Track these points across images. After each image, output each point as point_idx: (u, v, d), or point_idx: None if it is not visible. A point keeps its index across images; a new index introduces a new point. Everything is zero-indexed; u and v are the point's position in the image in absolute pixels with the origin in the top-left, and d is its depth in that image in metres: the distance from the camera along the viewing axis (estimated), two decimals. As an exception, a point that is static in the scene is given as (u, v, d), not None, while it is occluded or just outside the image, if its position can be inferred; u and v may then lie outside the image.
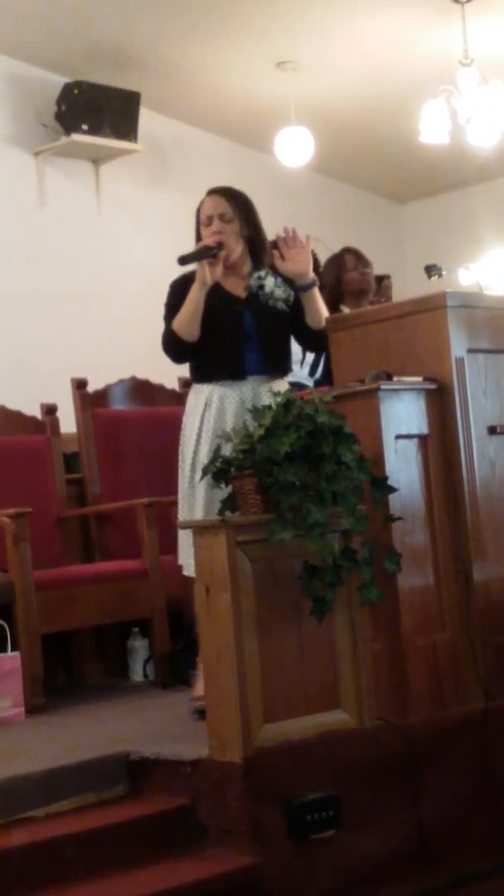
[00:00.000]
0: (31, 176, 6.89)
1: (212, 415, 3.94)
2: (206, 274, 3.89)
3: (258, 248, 4.05)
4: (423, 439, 3.74)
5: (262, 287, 3.99)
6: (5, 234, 6.63)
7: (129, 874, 3.17)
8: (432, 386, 3.74)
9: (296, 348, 4.40)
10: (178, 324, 3.95)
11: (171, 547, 4.81)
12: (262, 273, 4.02)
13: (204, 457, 3.84)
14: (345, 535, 3.44)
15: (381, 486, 3.51)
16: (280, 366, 4.04)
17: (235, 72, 7.00)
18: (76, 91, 6.75)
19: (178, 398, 5.59)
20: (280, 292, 4.01)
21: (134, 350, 5.90)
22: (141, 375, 5.59)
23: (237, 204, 4.03)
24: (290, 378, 4.34)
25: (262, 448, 3.30)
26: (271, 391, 3.86)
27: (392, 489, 3.55)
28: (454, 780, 3.57)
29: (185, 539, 3.92)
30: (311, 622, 3.39)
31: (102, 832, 3.25)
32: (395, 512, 3.59)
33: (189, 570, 3.88)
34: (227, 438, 3.39)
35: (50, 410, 5.25)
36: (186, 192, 7.49)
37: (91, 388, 5.33)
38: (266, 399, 3.87)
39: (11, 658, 4.29)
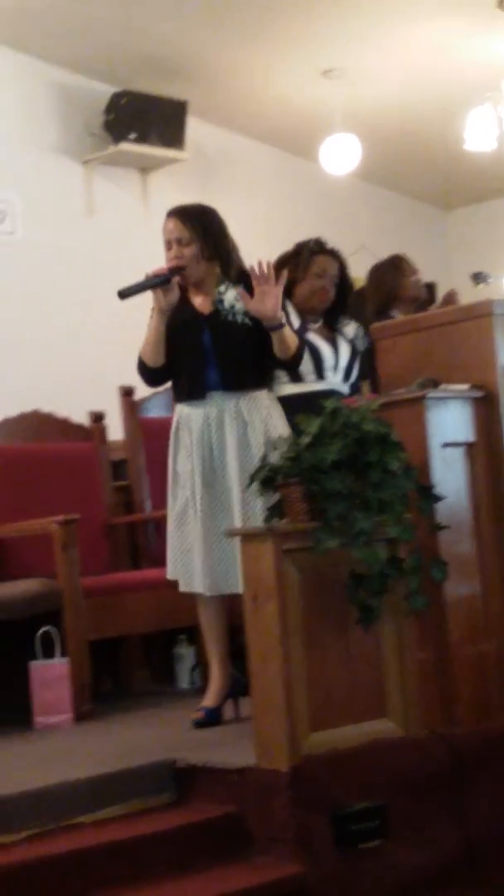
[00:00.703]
0: (80, 185, 6.94)
1: (183, 434, 3.96)
2: (161, 301, 3.88)
3: (224, 262, 3.96)
4: (469, 447, 3.73)
5: (221, 302, 3.92)
6: (55, 242, 6.68)
7: (174, 882, 3.17)
8: (479, 394, 3.72)
9: (328, 353, 4.38)
10: (142, 350, 3.98)
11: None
12: (223, 287, 3.94)
13: (182, 473, 3.92)
14: (391, 544, 3.44)
15: (428, 494, 3.51)
16: (244, 382, 3.92)
17: (282, 80, 7.01)
18: (124, 100, 6.80)
19: (86, 434, 5.54)
20: (240, 306, 3.89)
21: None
22: (45, 408, 5.56)
23: (193, 225, 3.94)
24: (324, 385, 4.32)
25: (308, 456, 3.30)
26: (238, 408, 3.87)
27: (438, 497, 3.54)
28: (501, 791, 3.55)
29: (176, 553, 3.96)
30: (357, 631, 3.39)
31: (149, 839, 3.26)
32: (442, 520, 3.58)
33: (186, 586, 3.95)
34: (274, 446, 3.40)
35: (97, 418, 5.28)
36: (233, 200, 7.53)
37: (138, 397, 5.36)
38: (230, 417, 3.87)
39: (59, 665, 4.32)
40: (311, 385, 4.33)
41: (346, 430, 3.31)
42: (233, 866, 3.26)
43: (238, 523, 3.80)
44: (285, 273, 3.98)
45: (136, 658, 5.11)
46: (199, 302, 3.98)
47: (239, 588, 3.68)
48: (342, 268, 4.49)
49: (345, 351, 4.44)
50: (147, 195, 7.17)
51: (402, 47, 6.68)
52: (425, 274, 5.58)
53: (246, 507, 3.82)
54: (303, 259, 4.43)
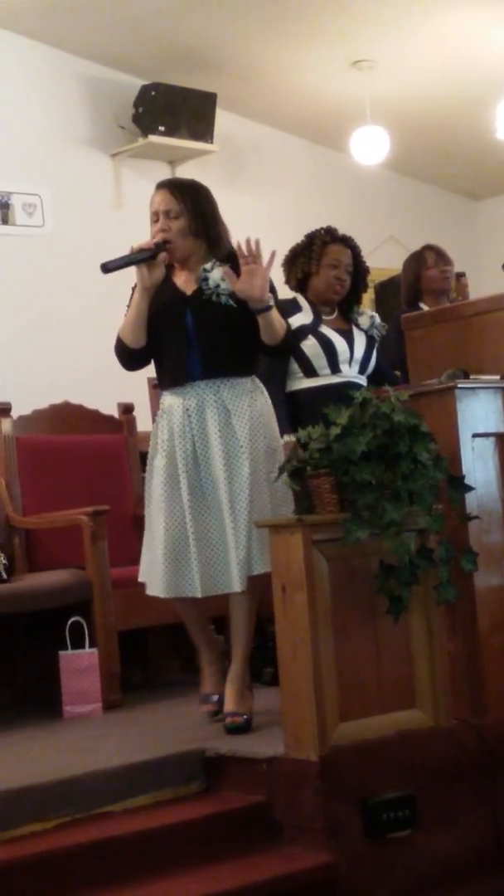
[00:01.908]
0: (109, 178, 6.96)
1: (164, 424, 3.76)
2: (144, 277, 3.67)
3: (212, 240, 3.77)
4: (500, 438, 3.72)
5: (206, 280, 3.71)
6: (83, 235, 6.69)
7: (204, 870, 3.18)
8: (510, 384, 3.71)
9: (342, 347, 4.32)
10: (122, 329, 3.76)
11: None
12: (209, 265, 3.73)
13: (157, 469, 3.73)
14: (421, 535, 3.43)
15: (458, 484, 3.50)
16: (228, 367, 3.72)
17: (311, 71, 7.00)
18: (153, 93, 6.81)
19: (116, 426, 5.54)
20: (226, 286, 3.69)
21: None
22: (74, 400, 5.57)
23: (184, 198, 3.75)
24: (339, 379, 4.27)
25: (338, 447, 3.30)
26: (220, 396, 3.68)
27: (469, 488, 3.53)
28: (531, 781, 3.55)
29: (148, 556, 3.81)
30: (387, 621, 3.38)
31: (178, 828, 3.27)
32: (472, 511, 3.57)
33: (153, 589, 3.76)
34: (303, 438, 3.39)
35: (127, 409, 5.30)
36: (262, 192, 7.56)
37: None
38: (211, 406, 3.67)
39: (89, 655, 4.34)
40: (325, 379, 4.27)
41: (376, 420, 3.31)
42: (262, 855, 3.27)
43: (227, 518, 3.64)
44: (274, 252, 3.70)
45: (164, 648, 5.12)
46: (183, 280, 3.78)
47: (232, 587, 3.67)
48: (355, 255, 4.41)
49: (360, 342, 4.37)
50: (176, 187, 7.17)
51: (431, 38, 6.65)
52: (456, 264, 5.54)
53: (234, 501, 3.65)
54: (315, 250, 4.35)
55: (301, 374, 4.29)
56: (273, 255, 3.70)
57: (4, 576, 4.60)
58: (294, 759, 3.30)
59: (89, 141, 6.92)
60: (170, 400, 3.76)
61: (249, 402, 3.73)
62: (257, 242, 3.65)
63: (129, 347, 3.76)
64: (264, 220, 7.54)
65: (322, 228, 4.41)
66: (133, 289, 3.80)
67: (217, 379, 3.72)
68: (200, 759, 3.49)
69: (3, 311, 6.46)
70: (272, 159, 7.63)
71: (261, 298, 3.64)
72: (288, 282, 4.44)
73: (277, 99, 7.29)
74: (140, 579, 3.87)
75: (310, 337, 4.28)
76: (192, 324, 3.71)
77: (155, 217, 3.77)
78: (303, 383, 4.29)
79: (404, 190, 8.20)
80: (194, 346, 3.71)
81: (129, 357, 3.79)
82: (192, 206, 3.76)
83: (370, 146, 7.23)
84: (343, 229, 4.54)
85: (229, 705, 3.74)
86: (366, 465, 3.29)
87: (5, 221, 6.60)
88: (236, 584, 3.67)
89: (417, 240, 5.63)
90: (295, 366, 4.28)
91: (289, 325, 3.86)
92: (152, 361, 3.87)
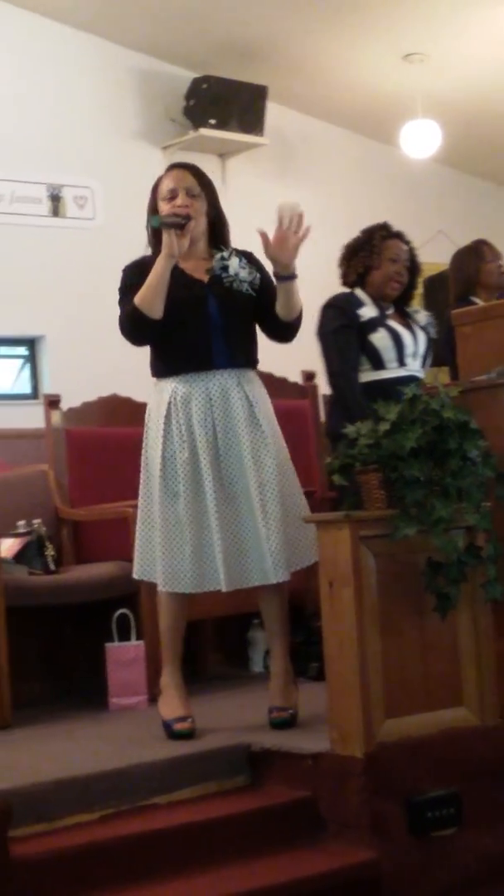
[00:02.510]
0: (159, 170, 6.87)
1: (178, 413, 3.63)
2: (174, 244, 3.57)
3: (219, 230, 3.78)
4: (550, 436, 3.68)
5: (225, 268, 3.69)
6: (134, 227, 6.68)
7: (247, 865, 3.19)
8: None
9: (409, 340, 4.34)
10: (141, 299, 3.60)
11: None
12: (226, 254, 3.72)
13: (180, 461, 3.61)
14: (469, 532, 3.42)
15: (507, 482, 3.47)
16: (249, 358, 3.73)
17: (362, 64, 6.97)
18: (204, 86, 6.81)
19: (302, 392, 5.60)
20: (245, 274, 3.71)
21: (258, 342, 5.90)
22: (264, 369, 5.60)
23: (203, 182, 3.75)
24: (405, 372, 4.28)
25: (387, 443, 3.29)
26: (240, 384, 3.66)
27: (518, 485, 3.51)
28: None
29: (144, 545, 3.72)
30: (433, 618, 3.37)
31: (222, 822, 3.28)
32: (521, 509, 3.54)
33: (177, 585, 3.64)
34: (352, 434, 3.38)
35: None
36: (312, 185, 7.54)
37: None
38: (235, 396, 3.64)
39: (135, 647, 4.36)
40: (393, 372, 4.28)
41: (425, 417, 3.30)
42: (306, 851, 3.28)
43: (257, 509, 3.60)
44: (308, 227, 3.66)
45: (209, 642, 5.13)
46: (192, 267, 3.72)
47: (268, 578, 3.62)
48: (411, 251, 4.43)
49: (421, 337, 4.40)
50: (226, 180, 7.16)
51: (483, 30, 6.60)
52: (505, 259, 5.51)
53: (263, 491, 3.62)
54: (375, 245, 4.37)
55: (368, 367, 4.30)
56: (308, 229, 3.67)
57: (52, 567, 4.62)
58: (339, 756, 3.30)
59: (140, 134, 6.94)
60: (184, 387, 3.65)
61: (264, 393, 3.77)
62: (300, 216, 3.63)
63: (150, 318, 3.60)
64: (314, 214, 7.46)
65: (378, 224, 4.43)
66: (126, 271, 3.76)
67: (239, 368, 3.70)
68: (246, 753, 3.50)
69: (53, 304, 6.49)
70: (322, 152, 7.60)
71: (291, 263, 3.64)
72: (346, 277, 4.45)
73: (328, 92, 7.27)
74: (140, 576, 3.75)
75: (380, 329, 4.30)
76: (217, 311, 3.68)
77: (173, 193, 3.73)
78: (370, 376, 4.30)
79: (454, 184, 8.14)
80: (219, 334, 3.67)
81: (148, 328, 3.62)
82: (209, 192, 3.78)
83: (421, 140, 7.19)
84: (393, 223, 4.54)
85: (276, 700, 3.73)
86: (414, 461, 3.28)
87: (56, 214, 6.63)
88: (272, 576, 3.63)
89: (466, 235, 5.59)
90: (363, 358, 4.29)
91: (301, 309, 3.79)
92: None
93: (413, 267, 4.44)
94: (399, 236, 4.43)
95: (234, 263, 3.72)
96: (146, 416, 3.78)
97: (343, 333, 4.30)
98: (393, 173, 7.73)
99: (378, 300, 4.38)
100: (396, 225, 4.51)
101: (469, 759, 3.41)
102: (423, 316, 4.47)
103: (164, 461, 3.65)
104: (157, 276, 3.60)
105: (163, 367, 3.72)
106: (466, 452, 3.32)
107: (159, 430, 3.67)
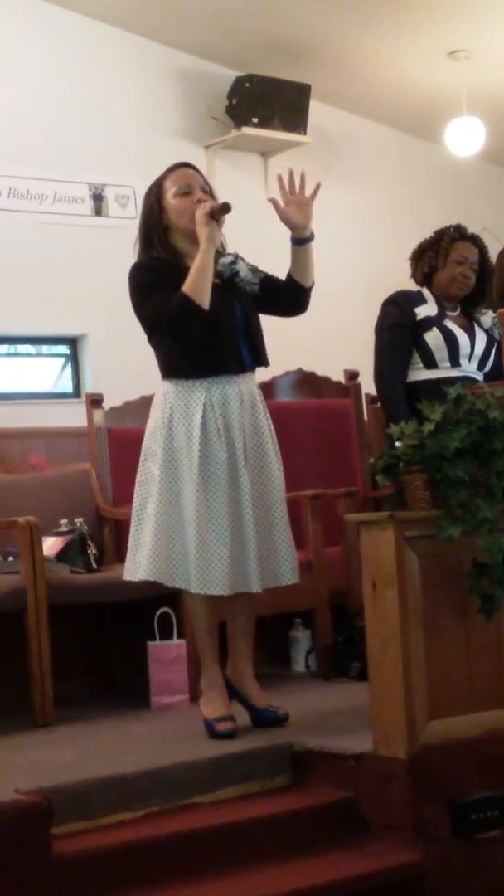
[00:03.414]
0: (202, 169, 6.94)
1: (216, 414, 3.63)
2: (215, 236, 3.62)
3: None
4: None
5: (236, 273, 3.73)
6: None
7: (289, 865, 3.18)
8: None
9: (464, 341, 4.32)
10: (192, 289, 3.55)
11: (334, 539, 4.83)
12: (232, 258, 3.76)
13: (219, 462, 3.59)
14: (514, 533, 3.39)
15: (553, 483, 3.44)
16: (264, 359, 3.78)
17: (406, 62, 6.94)
18: (247, 84, 6.81)
19: (344, 391, 5.58)
20: (252, 277, 3.75)
21: (300, 342, 5.90)
22: (307, 368, 5.60)
23: (209, 186, 3.82)
24: (457, 373, 4.27)
25: (431, 443, 3.27)
26: (258, 390, 3.74)
27: None
28: None
29: (145, 542, 3.65)
30: (478, 620, 3.35)
31: (265, 822, 3.27)
32: None
33: (212, 587, 3.59)
34: (395, 434, 3.36)
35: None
36: (355, 183, 7.52)
37: (258, 380, 5.36)
38: (258, 399, 3.71)
39: (177, 646, 4.36)
40: (445, 372, 4.27)
41: (470, 417, 3.27)
42: (348, 852, 3.26)
43: (279, 512, 3.69)
44: (319, 183, 3.71)
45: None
46: None
47: (288, 579, 3.69)
48: (482, 254, 4.41)
49: (481, 339, 4.37)
50: (268, 179, 7.16)
51: (529, 28, 6.57)
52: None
53: (281, 495, 3.72)
54: (443, 246, 4.36)
55: (421, 365, 4.30)
56: (318, 186, 3.70)
57: (95, 566, 4.63)
58: (383, 757, 3.29)
59: (183, 132, 6.94)
60: (220, 389, 3.65)
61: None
62: (302, 175, 3.67)
63: (202, 307, 3.56)
64: (358, 212, 7.52)
65: (452, 225, 4.43)
66: (141, 269, 3.73)
67: (254, 372, 3.77)
68: (288, 753, 3.49)
69: (95, 303, 6.51)
70: (366, 151, 7.58)
71: (306, 225, 3.67)
72: (414, 275, 4.45)
73: (372, 90, 7.25)
74: (157, 578, 3.65)
75: (434, 329, 4.29)
76: (241, 314, 3.71)
77: (188, 189, 3.73)
78: (422, 374, 4.30)
79: (499, 181, 8.10)
80: (243, 336, 3.71)
81: (200, 318, 3.56)
82: (213, 194, 3.81)
83: (465, 137, 7.16)
84: (436, 221, 4.52)
85: (266, 700, 3.78)
86: (459, 461, 3.26)
87: (99, 213, 6.66)
88: (290, 577, 3.71)
89: (513, 233, 5.56)
90: (416, 357, 4.29)
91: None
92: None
93: (484, 271, 4.41)
94: (472, 239, 4.41)
95: (242, 268, 3.76)
96: (160, 417, 3.70)
97: (396, 331, 4.31)
98: (437, 171, 7.70)
99: (442, 301, 4.36)
100: (440, 222, 4.49)
101: (513, 761, 3.38)
102: (489, 318, 4.44)
103: (202, 461, 3.62)
104: (205, 264, 3.59)
105: (192, 368, 3.67)
106: (512, 453, 3.30)
107: (193, 431, 3.63)
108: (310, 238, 3.71)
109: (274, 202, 3.68)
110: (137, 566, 3.67)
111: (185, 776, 3.34)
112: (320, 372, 5.62)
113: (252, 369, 3.75)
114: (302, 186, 3.71)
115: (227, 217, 3.68)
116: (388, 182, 7.59)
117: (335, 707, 4.07)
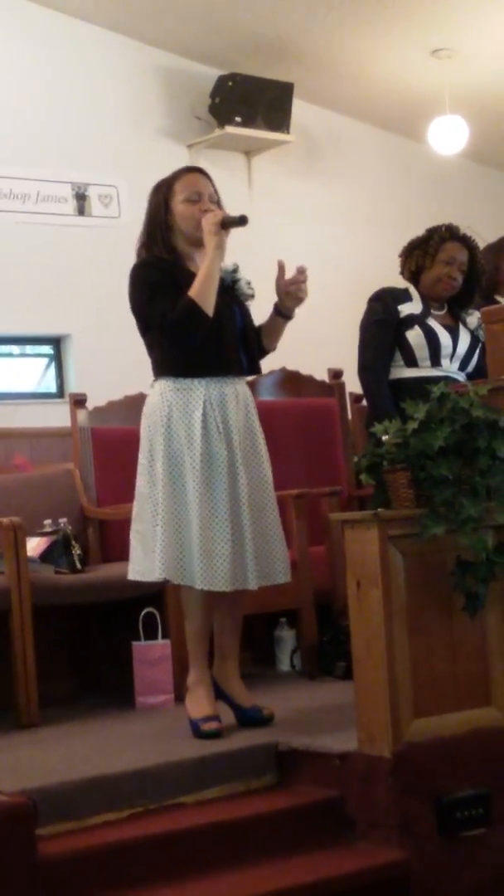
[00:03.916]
0: (184, 168, 6.95)
1: (215, 413, 3.66)
2: (223, 241, 3.67)
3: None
4: None
5: (236, 282, 3.82)
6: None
7: (274, 864, 3.18)
8: None
9: (446, 341, 4.33)
10: (198, 295, 3.61)
11: (319, 538, 4.83)
12: (234, 266, 3.83)
13: (220, 460, 3.63)
14: (499, 531, 3.39)
15: (537, 481, 3.44)
16: (257, 367, 3.87)
17: (389, 61, 6.95)
18: (230, 83, 6.81)
19: (329, 390, 5.59)
20: (248, 289, 3.86)
21: (283, 341, 5.88)
22: (291, 367, 5.59)
23: (216, 191, 3.84)
24: (438, 372, 4.26)
25: (415, 442, 3.27)
26: (250, 392, 3.82)
27: (547, 484, 3.48)
28: None
29: (198, 549, 3.61)
30: (462, 618, 3.35)
31: (250, 821, 3.27)
32: (551, 508, 3.51)
33: (215, 583, 3.60)
34: (380, 433, 3.37)
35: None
36: (338, 183, 7.53)
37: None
38: (251, 402, 3.78)
39: (162, 646, 4.35)
40: (425, 371, 4.27)
41: (454, 415, 3.27)
42: (334, 851, 3.26)
43: (272, 511, 3.74)
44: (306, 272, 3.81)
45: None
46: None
47: (283, 577, 3.73)
48: (473, 255, 4.40)
49: (465, 340, 4.37)
50: (251, 178, 7.17)
51: (511, 26, 6.57)
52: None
53: (272, 495, 3.78)
54: (432, 245, 4.35)
55: (403, 363, 4.30)
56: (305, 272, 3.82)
57: (79, 566, 4.62)
58: (367, 755, 3.29)
59: (166, 132, 6.94)
60: (218, 389, 3.69)
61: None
62: (305, 269, 3.78)
63: (207, 313, 3.62)
64: (341, 210, 7.52)
65: (443, 225, 4.41)
66: (144, 269, 3.75)
67: (248, 376, 3.84)
68: (273, 752, 3.49)
69: (79, 302, 6.50)
70: (349, 149, 7.58)
71: (294, 308, 3.81)
72: (402, 272, 4.45)
73: (355, 89, 7.25)
74: (169, 577, 3.64)
75: (416, 327, 4.29)
76: (241, 320, 3.79)
77: (196, 196, 3.76)
78: (404, 373, 4.31)
79: (483, 180, 8.11)
80: (241, 341, 3.77)
81: (205, 323, 3.62)
82: (219, 203, 3.84)
83: (449, 136, 7.17)
84: (420, 219, 4.51)
85: (251, 699, 3.78)
86: (443, 460, 3.26)
87: (82, 212, 6.65)
88: (283, 576, 3.75)
89: (495, 231, 5.56)
90: (398, 355, 4.29)
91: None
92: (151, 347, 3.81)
93: (473, 272, 4.40)
94: (463, 240, 4.40)
95: (242, 278, 3.83)
96: (158, 414, 3.70)
97: (380, 328, 4.32)
98: (420, 170, 7.71)
99: (428, 299, 4.36)
100: (424, 221, 4.49)
101: (498, 758, 3.38)
102: (475, 319, 4.43)
103: (204, 458, 3.64)
104: (212, 272, 3.65)
105: (192, 367, 3.69)
106: (495, 451, 3.30)
107: (194, 428, 3.65)
108: (291, 317, 3.83)
109: (281, 268, 3.77)
110: (152, 566, 3.66)
111: (170, 776, 3.33)
112: (304, 371, 5.62)
113: (248, 374, 3.83)
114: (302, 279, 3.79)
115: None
116: (372, 181, 7.60)
117: (320, 706, 4.07)
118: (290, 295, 3.79)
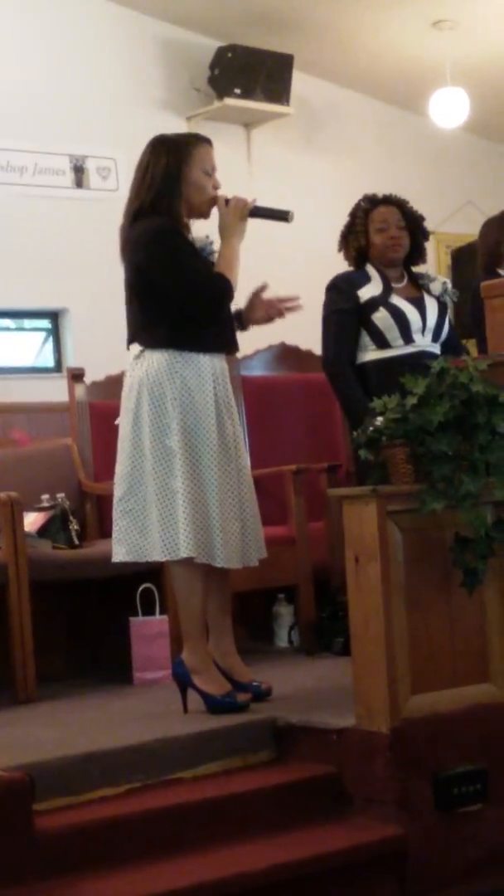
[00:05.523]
0: (183, 140, 6.91)
1: (220, 388, 3.67)
2: (244, 231, 3.73)
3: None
4: None
5: (212, 254, 3.79)
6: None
7: (273, 839, 3.18)
8: None
9: (414, 316, 4.22)
10: (232, 275, 3.66)
11: (318, 514, 4.82)
12: (210, 239, 3.81)
13: (228, 430, 3.66)
14: (498, 507, 3.38)
15: (536, 456, 3.43)
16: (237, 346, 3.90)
17: (390, 32, 6.89)
18: (230, 55, 6.75)
19: None
20: None
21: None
22: (290, 342, 5.56)
23: None
24: (412, 349, 4.19)
25: (414, 417, 3.25)
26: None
27: (547, 460, 3.46)
28: None
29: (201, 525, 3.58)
30: (461, 594, 3.34)
31: (248, 797, 3.27)
32: (550, 483, 3.50)
33: (121, 555, 3.65)
34: (379, 408, 3.35)
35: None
36: (338, 155, 7.48)
37: (240, 355, 5.33)
38: (237, 381, 3.87)
39: (159, 621, 4.35)
40: (399, 349, 4.19)
41: (453, 390, 3.25)
42: (331, 826, 3.27)
43: (250, 489, 3.74)
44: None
45: (234, 616, 5.10)
46: None
47: (264, 554, 3.77)
48: (403, 209, 4.29)
49: (433, 310, 4.28)
50: (251, 151, 7.12)
51: (513, -3, 6.52)
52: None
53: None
54: (358, 222, 4.27)
55: (373, 346, 4.23)
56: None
57: (76, 541, 4.61)
58: (365, 731, 3.29)
59: (164, 104, 6.89)
60: (221, 365, 3.70)
61: None
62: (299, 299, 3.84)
63: (233, 295, 3.69)
64: (340, 184, 7.47)
65: (360, 199, 4.33)
66: (166, 234, 3.64)
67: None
68: (271, 727, 3.49)
69: (76, 276, 6.46)
70: (349, 122, 7.54)
71: (256, 324, 3.88)
72: (348, 261, 4.38)
73: (355, 60, 7.19)
74: (195, 554, 3.57)
75: (381, 309, 4.21)
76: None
77: (212, 169, 3.76)
78: (374, 355, 4.23)
79: (484, 153, 8.06)
80: (230, 320, 3.80)
81: (228, 304, 3.72)
82: None
83: (449, 108, 7.12)
84: (420, 193, 4.47)
85: (249, 675, 3.78)
86: (442, 435, 3.24)
87: (80, 185, 6.60)
88: (264, 551, 3.77)
89: (496, 205, 5.52)
90: (366, 338, 4.22)
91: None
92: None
93: (412, 224, 4.30)
94: (386, 200, 4.31)
95: (216, 249, 3.78)
96: (169, 387, 3.59)
97: (340, 317, 4.24)
98: (421, 142, 7.66)
99: (387, 270, 4.28)
100: (425, 195, 4.45)
101: (496, 734, 3.39)
102: (437, 285, 4.34)
103: (220, 435, 3.64)
104: (237, 255, 3.69)
105: (200, 342, 3.64)
106: (495, 427, 3.28)
107: (208, 403, 3.61)
108: (246, 330, 3.89)
109: (262, 290, 3.81)
110: (176, 544, 3.57)
111: (167, 752, 3.33)
112: (304, 346, 5.59)
113: (235, 352, 3.88)
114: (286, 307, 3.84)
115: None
116: (372, 153, 7.54)
117: (318, 682, 4.07)
118: (263, 313, 3.82)
